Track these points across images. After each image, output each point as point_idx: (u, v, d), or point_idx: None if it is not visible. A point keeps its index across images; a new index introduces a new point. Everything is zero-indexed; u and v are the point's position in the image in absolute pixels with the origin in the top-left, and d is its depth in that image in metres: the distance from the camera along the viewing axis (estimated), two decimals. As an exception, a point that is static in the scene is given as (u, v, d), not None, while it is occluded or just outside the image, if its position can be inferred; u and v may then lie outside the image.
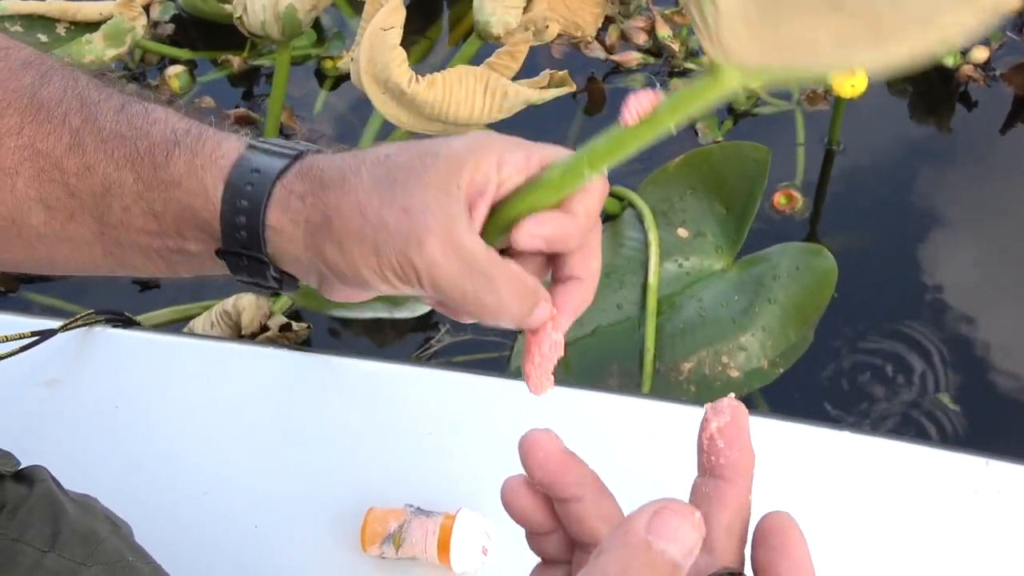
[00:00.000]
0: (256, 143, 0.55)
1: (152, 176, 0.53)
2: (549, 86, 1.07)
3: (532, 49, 1.46)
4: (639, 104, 0.45)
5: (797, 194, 1.42)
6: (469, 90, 1.04)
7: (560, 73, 1.06)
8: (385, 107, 1.06)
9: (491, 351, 1.32)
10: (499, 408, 0.99)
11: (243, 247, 0.53)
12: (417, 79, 1.03)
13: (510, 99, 1.04)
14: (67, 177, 0.53)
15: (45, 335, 1.03)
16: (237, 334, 1.24)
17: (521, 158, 0.52)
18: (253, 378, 1.03)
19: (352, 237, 0.51)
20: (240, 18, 1.27)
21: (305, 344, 1.27)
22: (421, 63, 1.61)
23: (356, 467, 0.95)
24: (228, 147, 0.54)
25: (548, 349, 0.54)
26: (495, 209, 0.52)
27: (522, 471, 0.44)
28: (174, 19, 1.67)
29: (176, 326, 1.31)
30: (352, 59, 1.06)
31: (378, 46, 1.01)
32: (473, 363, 1.31)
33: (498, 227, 0.51)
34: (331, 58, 1.62)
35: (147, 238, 0.54)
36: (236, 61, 1.62)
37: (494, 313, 0.52)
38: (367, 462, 0.95)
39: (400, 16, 1.02)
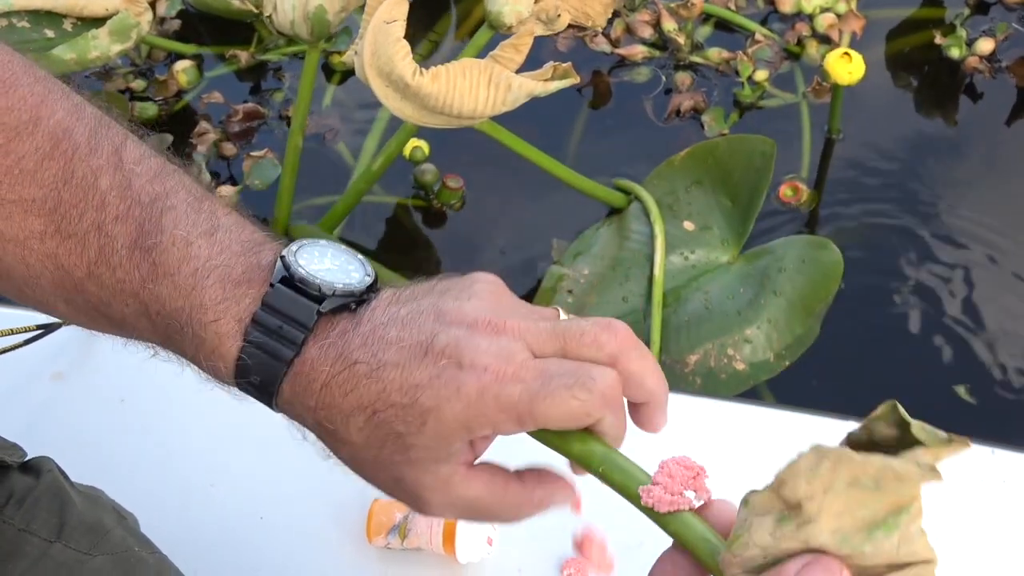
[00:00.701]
0: (254, 328, 0.51)
1: (169, 303, 0.52)
2: (553, 78, 1.07)
3: (537, 43, 1.46)
4: (656, 501, 0.46)
5: (803, 186, 1.41)
6: (473, 82, 1.04)
7: (564, 65, 1.06)
8: (389, 100, 1.06)
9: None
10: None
11: (254, 381, 0.52)
12: (421, 72, 1.03)
13: (514, 91, 1.04)
14: (88, 298, 0.53)
15: (50, 328, 1.03)
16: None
17: (514, 428, 0.49)
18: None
19: (357, 468, 0.52)
20: (269, 17, 1.26)
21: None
22: (428, 59, 1.61)
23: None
24: (229, 343, 0.51)
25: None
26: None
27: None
28: (180, 14, 1.67)
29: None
30: (356, 53, 1.06)
31: (381, 40, 1.01)
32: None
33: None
34: (338, 52, 1.62)
35: (170, 342, 0.54)
36: (244, 56, 1.63)
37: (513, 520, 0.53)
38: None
39: (403, 9, 1.02)
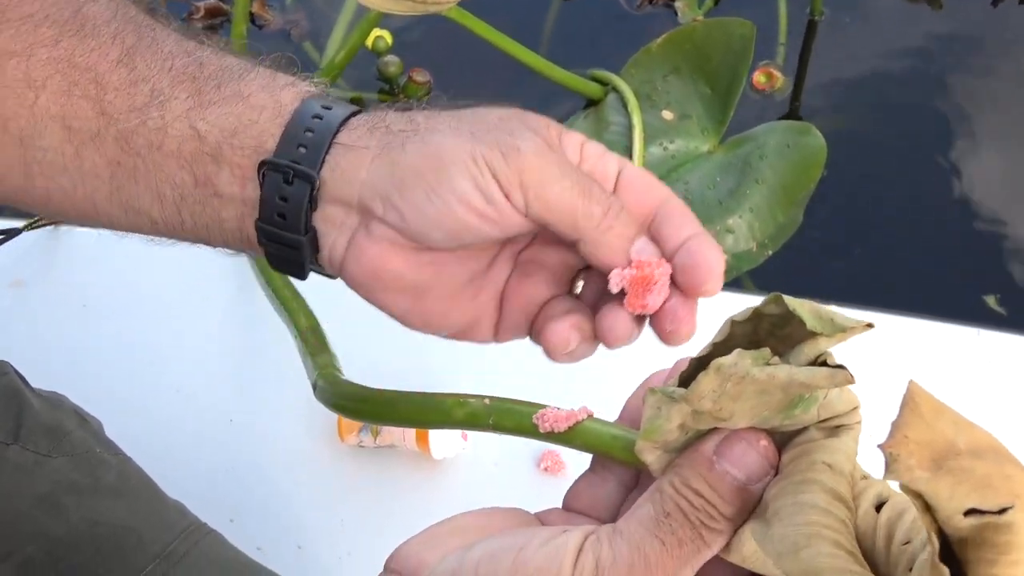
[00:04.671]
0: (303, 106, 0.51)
1: (213, 93, 0.50)
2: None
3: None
4: (552, 422, 0.45)
5: (777, 72, 1.37)
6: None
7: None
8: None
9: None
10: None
11: (295, 162, 0.48)
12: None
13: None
14: (104, 93, 0.50)
15: (9, 234, 1.00)
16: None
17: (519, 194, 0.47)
18: (226, 273, 1.00)
19: (440, 129, 0.48)
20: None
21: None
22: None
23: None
24: (305, 87, 0.52)
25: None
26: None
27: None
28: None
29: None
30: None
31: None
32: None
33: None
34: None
35: (173, 165, 0.50)
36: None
37: (599, 219, 0.48)
38: (343, 347, 0.93)
39: None
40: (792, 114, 1.39)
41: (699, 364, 0.37)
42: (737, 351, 0.36)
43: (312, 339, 0.74)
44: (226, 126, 0.50)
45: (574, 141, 0.50)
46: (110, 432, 0.77)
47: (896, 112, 1.42)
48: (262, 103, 0.50)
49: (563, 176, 0.47)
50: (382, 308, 0.52)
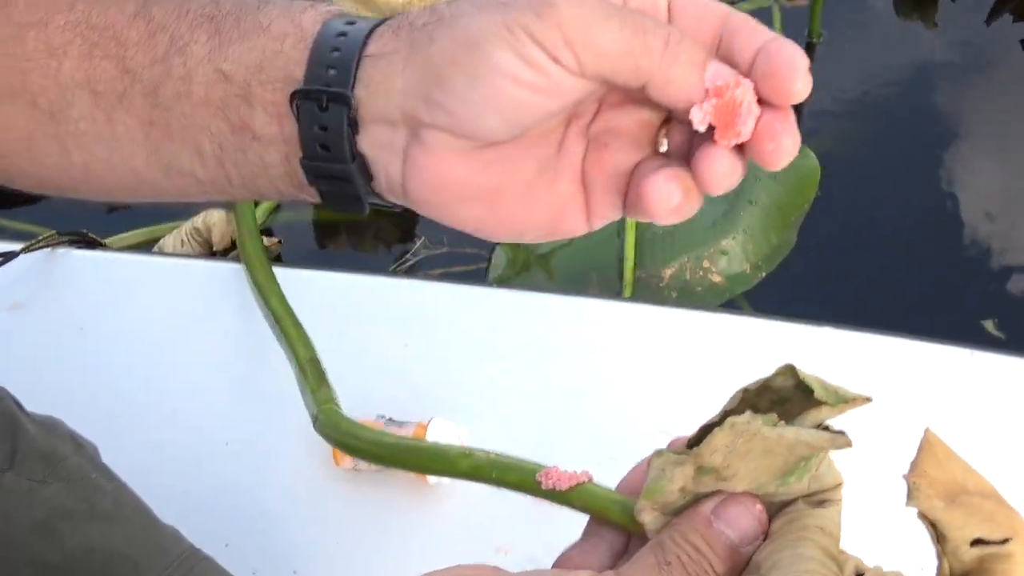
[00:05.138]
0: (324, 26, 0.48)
1: (233, 30, 0.47)
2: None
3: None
4: (555, 480, 0.46)
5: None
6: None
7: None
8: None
9: (468, 263, 1.30)
10: (475, 316, 0.98)
11: (327, 85, 0.45)
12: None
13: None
14: (125, 50, 0.48)
15: (7, 257, 1.01)
16: (208, 251, 1.21)
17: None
18: (224, 295, 1.01)
19: (466, 11, 0.44)
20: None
21: (276, 260, 1.24)
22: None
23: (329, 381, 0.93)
24: (325, 7, 0.49)
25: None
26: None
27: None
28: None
29: (146, 248, 1.29)
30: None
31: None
32: (451, 275, 1.28)
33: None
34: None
35: (205, 114, 0.47)
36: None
37: (661, 52, 0.42)
38: (340, 375, 0.94)
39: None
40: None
41: (707, 430, 0.39)
42: (749, 412, 0.38)
43: (311, 371, 0.74)
44: (251, 62, 0.47)
45: None
46: (106, 455, 0.77)
47: (891, 133, 1.43)
48: (284, 31, 0.47)
49: (608, 17, 0.42)
50: (457, 224, 0.48)
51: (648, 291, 1.24)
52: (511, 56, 0.42)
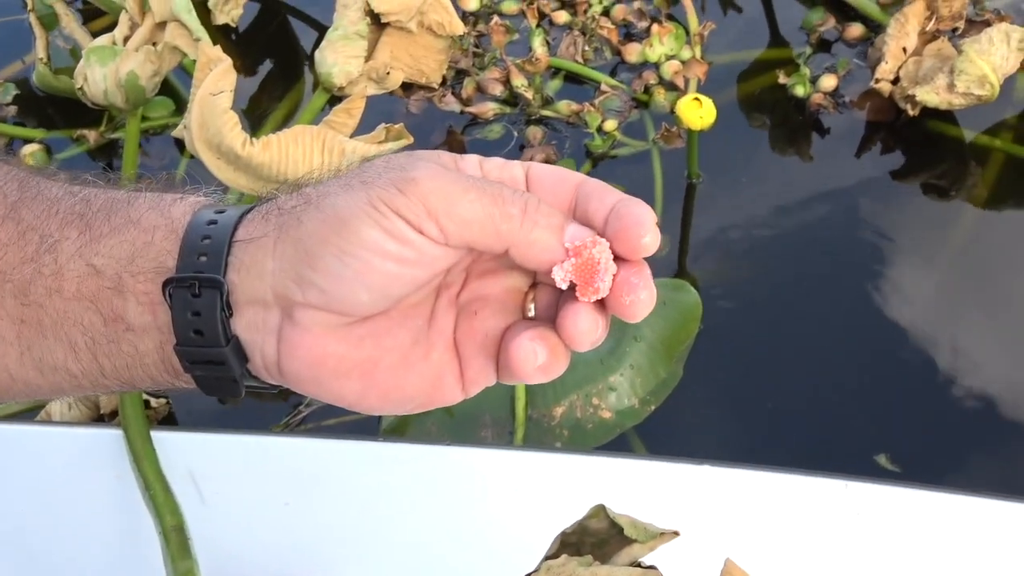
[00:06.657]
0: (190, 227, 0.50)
1: (103, 225, 0.48)
2: (387, 140, 1.06)
3: (387, 105, 1.46)
4: None
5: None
6: (306, 149, 1.03)
7: (396, 127, 1.06)
8: (221, 172, 1.04)
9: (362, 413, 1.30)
10: (363, 473, 0.98)
11: (199, 272, 0.46)
12: (252, 142, 1.02)
13: (348, 155, 1.03)
14: (8, 279, 0.48)
15: None
16: (96, 415, 1.20)
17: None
18: (102, 463, 0.99)
19: (331, 192, 0.46)
20: (82, 89, 1.24)
21: (167, 421, 1.23)
22: (283, 125, 1.59)
23: (205, 546, 0.92)
24: (195, 199, 0.51)
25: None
26: None
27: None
28: (16, 100, 1.63)
29: (30, 415, 1.27)
30: (185, 127, 1.04)
31: (208, 111, 0.99)
32: (345, 425, 1.28)
33: None
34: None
35: (77, 308, 0.47)
36: (92, 136, 1.59)
37: (520, 218, 0.45)
38: (219, 537, 0.92)
39: (230, 79, 1.01)
40: (679, 272, 1.43)
41: None
42: (564, 555, 0.40)
43: (174, 539, 0.74)
44: (122, 255, 0.48)
45: (471, 160, 0.49)
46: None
47: (773, 265, 1.47)
48: (154, 223, 0.48)
49: (467, 189, 0.45)
50: (335, 400, 0.49)
51: (540, 430, 1.25)
52: (378, 231, 0.44)
